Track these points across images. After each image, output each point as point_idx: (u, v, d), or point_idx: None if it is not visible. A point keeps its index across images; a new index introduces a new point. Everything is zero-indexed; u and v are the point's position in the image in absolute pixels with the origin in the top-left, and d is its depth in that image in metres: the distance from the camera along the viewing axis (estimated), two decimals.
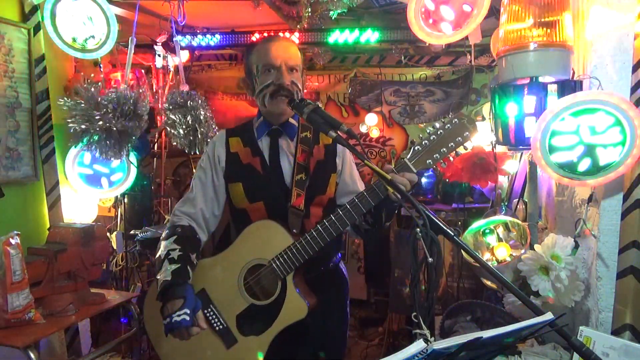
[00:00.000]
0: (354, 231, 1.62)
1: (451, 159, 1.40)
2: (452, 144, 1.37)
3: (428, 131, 1.40)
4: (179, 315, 1.34)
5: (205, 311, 1.51)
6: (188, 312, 1.35)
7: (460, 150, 1.41)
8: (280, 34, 3.09)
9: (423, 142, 1.39)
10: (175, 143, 2.70)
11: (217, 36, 3.38)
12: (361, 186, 1.69)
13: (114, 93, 2.43)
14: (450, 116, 1.40)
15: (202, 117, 2.63)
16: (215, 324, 1.51)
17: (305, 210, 1.56)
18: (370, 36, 3.16)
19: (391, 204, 1.44)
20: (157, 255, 1.51)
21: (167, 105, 2.65)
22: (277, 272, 1.46)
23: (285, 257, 1.46)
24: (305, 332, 1.55)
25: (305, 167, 1.58)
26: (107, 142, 2.42)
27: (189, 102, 2.61)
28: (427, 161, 1.38)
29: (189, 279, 1.44)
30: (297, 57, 1.57)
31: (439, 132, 1.38)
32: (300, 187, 1.55)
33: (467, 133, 1.37)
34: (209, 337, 1.51)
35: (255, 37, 3.28)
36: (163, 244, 1.52)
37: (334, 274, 1.69)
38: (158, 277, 1.44)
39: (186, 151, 2.70)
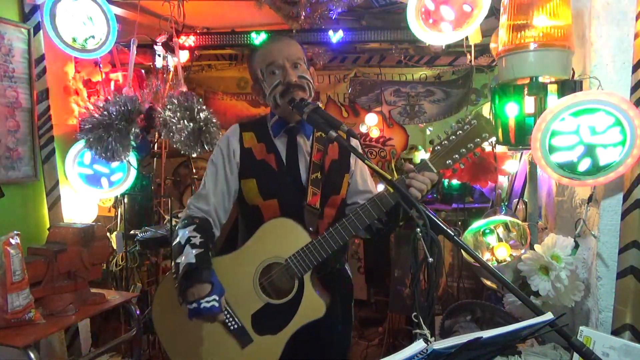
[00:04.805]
0: (364, 229, 1.61)
1: (469, 159, 1.42)
2: (470, 144, 1.40)
3: (447, 132, 1.42)
4: (208, 302, 1.32)
5: None
6: (217, 298, 1.34)
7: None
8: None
9: (443, 143, 1.41)
10: (176, 146, 2.69)
11: (217, 36, 3.38)
12: (372, 185, 1.69)
13: (123, 98, 2.47)
14: (468, 117, 1.42)
15: (203, 119, 2.62)
16: (230, 324, 1.48)
17: (320, 211, 1.55)
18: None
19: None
20: (176, 242, 1.48)
21: (167, 107, 2.65)
22: (295, 271, 1.45)
23: (303, 255, 1.44)
24: (317, 335, 1.55)
25: (321, 166, 1.57)
26: (112, 143, 2.44)
27: (187, 104, 2.61)
28: (447, 161, 1.41)
29: (211, 265, 1.43)
30: (298, 51, 1.56)
31: (458, 133, 1.41)
32: (315, 186, 1.55)
33: (485, 134, 1.39)
34: (223, 337, 1.48)
35: (255, 35, 3.27)
36: (181, 232, 1.49)
37: (340, 276, 1.68)
38: (178, 261, 1.41)
39: (187, 153, 2.69)
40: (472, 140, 1.39)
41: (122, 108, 2.47)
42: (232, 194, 1.63)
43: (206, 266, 1.40)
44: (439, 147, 1.41)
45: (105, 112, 2.46)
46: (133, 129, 2.53)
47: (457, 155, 1.40)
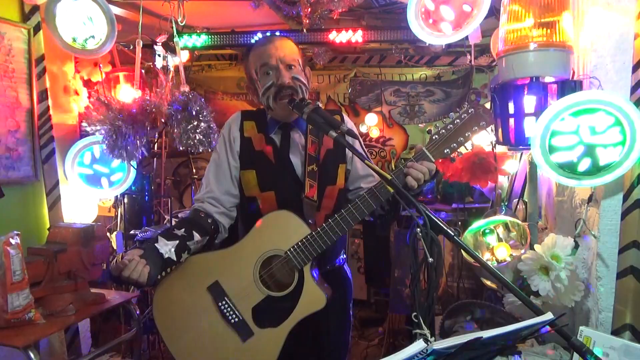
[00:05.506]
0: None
1: (466, 148, 1.42)
2: (468, 133, 1.40)
3: (445, 121, 1.42)
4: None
5: (220, 304, 1.49)
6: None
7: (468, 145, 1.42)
8: (277, 33, 3.09)
9: (440, 132, 1.41)
10: (175, 140, 2.69)
11: (217, 36, 3.38)
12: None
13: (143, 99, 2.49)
14: (466, 106, 1.41)
15: (203, 120, 2.62)
16: (230, 317, 1.48)
17: (318, 202, 1.56)
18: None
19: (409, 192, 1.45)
20: None
21: (168, 108, 2.64)
22: (294, 263, 1.45)
23: (302, 247, 1.44)
24: (316, 334, 1.54)
25: (316, 159, 1.58)
26: (120, 143, 2.44)
27: (190, 105, 2.60)
28: (445, 150, 1.40)
29: (153, 243, 1.48)
30: (292, 52, 1.56)
31: (455, 122, 1.40)
32: (312, 178, 1.55)
33: (483, 122, 1.39)
34: (224, 331, 1.48)
35: (258, 36, 3.27)
36: None
37: (339, 275, 1.69)
38: None
39: (189, 150, 2.69)
40: (470, 129, 1.39)
41: (145, 108, 2.48)
42: (235, 179, 1.64)
43: (140, 247, 1.50)
44: (436, 136, 1.41)
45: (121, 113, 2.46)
46: (147, 129, 2.54)
47: (454, 144, 1.40)
